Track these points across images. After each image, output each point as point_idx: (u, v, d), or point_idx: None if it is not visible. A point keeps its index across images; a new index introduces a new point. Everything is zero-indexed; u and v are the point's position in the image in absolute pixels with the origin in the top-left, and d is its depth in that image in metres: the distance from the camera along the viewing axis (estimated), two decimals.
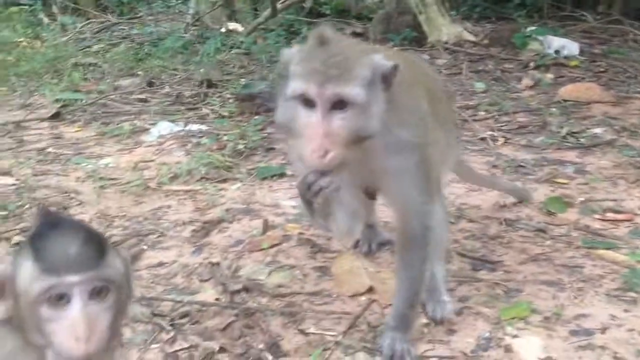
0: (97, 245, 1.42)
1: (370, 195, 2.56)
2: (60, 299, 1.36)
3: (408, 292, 2.42)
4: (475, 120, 5.23)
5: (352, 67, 1.97)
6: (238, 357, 2.40)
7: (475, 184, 3.81)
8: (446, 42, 7.79)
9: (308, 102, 1.96)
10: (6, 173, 4.22)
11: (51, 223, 1.43)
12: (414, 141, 2.23)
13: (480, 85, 6.26)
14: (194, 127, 5.24)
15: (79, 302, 1.36)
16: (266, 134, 4.98)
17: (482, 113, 5.48)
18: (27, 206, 3.70)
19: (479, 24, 8.88)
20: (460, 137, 4.79)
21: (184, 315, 2.65)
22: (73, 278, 1.34)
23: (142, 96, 6.29)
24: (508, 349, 2.41)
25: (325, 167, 1.99)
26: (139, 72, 7.24)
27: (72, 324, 1.34)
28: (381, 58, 2.06)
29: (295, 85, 1.98)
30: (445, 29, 7.89)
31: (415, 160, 2.25)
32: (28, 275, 1.37)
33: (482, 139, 4.85)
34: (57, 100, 6.02)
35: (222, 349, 2.43)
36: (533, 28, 7.75)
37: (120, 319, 1.47)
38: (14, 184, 4.04)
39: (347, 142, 1.97)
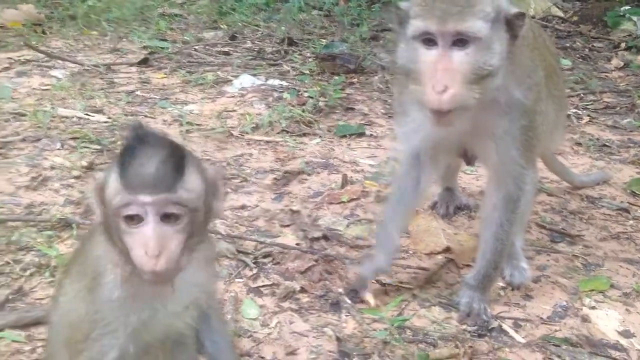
0: (177, 165, 1.42)
1: (468, 160, 2.57)
2: (134, 217, 1.40)
3: (493, 253, 2.44)
4: None
5: (474, 3, 1.96)
6: (317, 298, 2.50)
7: (555, 173, 3.58)
8: (533, 17, 7.55)
9: (429, 41, 1.98)
10: (99, 111, 4.41)
11: (140, 138, 1.45)
12: (525, 103, 2.23)
13: (566, 62, 6.07)
14: (275, 82, 5.32)
15: (151, 222, 1.39)
16: (346, 94, 5.02)
17: (567, 91, 5.32)
18: (118, 142, 3.88)
19: (568, 0, 8.55)
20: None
21: (266, 255, 2.76)
22: (146, 199, 1.37)
23: (225, 49, 6.39)
24: (585, 319, 2.41)
25: (444, 106, 1.97)
26: (222, 26, 7.34)
27: (144, 241, 1.38)
28: (506, 1, 2.05)
29: (415, 25, 2.00)
30: (533, 2, 7.65)
31: (522, 123, 2.25)
32: (112, 188, 1.43)
33: (567, 116, 4.73)
34: (144, 47, 6.20)
35: (302, 289, 2.53)
36: (627, 7, 7.42)
37: (194, 240, 1.47)
38: (106, 122, 4.23)
39: (468, 80, 1.97)
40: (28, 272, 2.51)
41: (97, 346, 1.51)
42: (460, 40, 1.96)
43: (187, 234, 1.43)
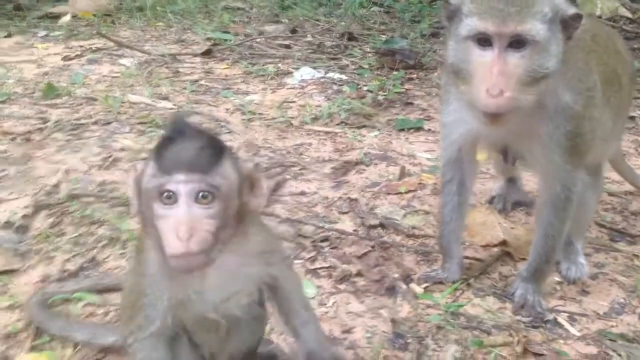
0: (213, 152, 1.47)
1: (507, 159, 2.52)
2: (169, 197, 1.43)
3: (544, 247, 2.44)
4: None
5: (532, 3, 1.93)
6: (373, 282, 2.56)
7: (621, 174, 3.47)
8: (599, 17, 7.38)
9: (484, 41, 1.95)
10: (165, 98, 4.58)
11: (179, 128, 1.51)
12: (574, 108, 2.18)
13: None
14: (335, 75, 5.39)
15: (184, 202, 1.42)
16: (405, 89, 5.05)
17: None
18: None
19: (637, 1, 8.31)
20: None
21: (324, 239, 2.84)
22: (180, 176, 1.41)
23: (286, 42, 6.51)
24: None
25: (500, 110, 1.95)
26: (284, 20, 7.48)
27: (176, 223, 1.41)
28: (563, 1, 2.02)
29: (471, 24, 1.95)
30: (600, 2, 7.47)
31: (568, 129, 2.19)
32: (148, 173, 1.48)
33: (631, 117, 4.64)
34: (208, 39, 6.38)
35: (358, 273, 2.60)
36: None
37: (224, 229, 1.48)
38: (171, 108, 4.39)
39: (523, 83, 1.93)
40: (100, 244, 2.67)
41: (141, 315, 1.60)
42: (517, 42, 1.92)
43: (219, 221, 1.45)
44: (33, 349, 2.02)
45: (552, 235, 2.43)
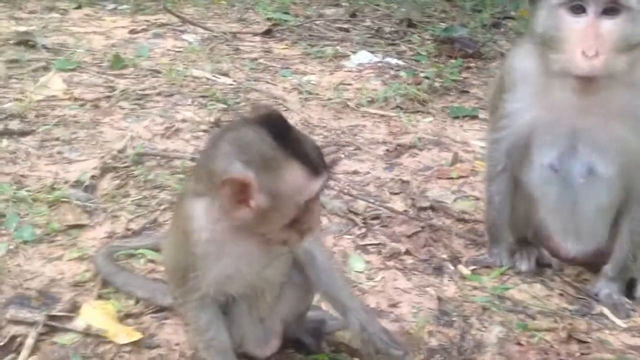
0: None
1: None
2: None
3: (630, 245, 2.41)
4: None
5: None
6: (421, 261, 2.62)
7: None
8: None
9: (576, 9, 2.05)
10: (225, 74, 4.71)
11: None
12: None
13: None
14: (392, 60, 5.42)
15: None
16: (462, 77, 5.05)
17: None
18: (242, 103, 4.14)
19: None
20: None
21: (375, 217, 2.91)
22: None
23: (345, 26, 6.55)
24: None
25: (596, 72, 2.03)
26: (343, 4, 7.51)
27: None
28: None
29: None
30: None
31: None
32: (296, 177, 1.52)
33: None
34: (268, 19, 6.48)
35: (407, 252, 2.66)
36: None
37: None
38: (231, 84, 4.51)
39: (617, 49, 2.02)
40: (162, 207, 2.80)
41: (189, 284, 1.68)
42: (611, 9, 2.02)
43: None
44: (99, 297, 2.16)
45: (638, 232, 2.40)
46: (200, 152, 1.70)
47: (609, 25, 2.05)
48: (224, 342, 1.75)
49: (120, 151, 3.25)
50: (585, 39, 2.03)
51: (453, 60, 5.37)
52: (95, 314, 2.03)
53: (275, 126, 1.54)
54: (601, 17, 2.05)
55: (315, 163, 1.53)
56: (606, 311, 2.39)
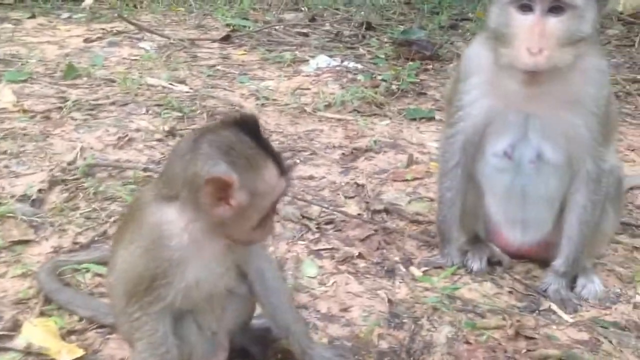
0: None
1: None
2: None
3: (579, 237, 2.44)
4: None
5: None
6: (374, 264, 2.62)
7: None
8: (621, 13, 7.34)
9: (525, 7, 2.16)
10: (182, 82, 4.66)
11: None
12: (607, 73, 2.35)
13: None
14: (350, 64, 5.44)
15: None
16: (419, 79, 5.08)
17: None
18: (198, 111, 4.11)
19: None
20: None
21: (329, 222, 2.91)
22: None
23: (304, 30, 6.57)
24: (637, 306, 2.44)
25: (540, 67, 2.15)
26: (303, 8, 7.53)
27: None
28: None
29: None
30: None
31: (604, 93, 2.32)
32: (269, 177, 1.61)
33: None
34: (227, 25, 6.46)
35: (360, 255, 2.66)
36: None
37: None
38: (188, 92, 4.47)
39: (561, 45, 2.13)
40: (112, 219, 2.76)
41: (154, 294, 1.65)
42: (556, 8, 2.13)
43: None
44: (42, 314, 2.12)
45: (585, 222, 2.43)
46: (171, 157, 1.68)
47: (554, 23, 2.16)
48: (175, 357, 1.73)
49: (69, 163, 3.19)
50: (531, 36, 2.15)
51: (411, 63, 5.41)
52: (37, 332, 1.98)
53: (252, 128, 1.62)
54: (547, 15, 2.16)
55: (284, 163, 1.64)
56: (554, 307, 2.42)
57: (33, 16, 6.29)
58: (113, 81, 4.48)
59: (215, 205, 1.57)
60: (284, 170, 1.64)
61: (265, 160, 1.60)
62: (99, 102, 4.10)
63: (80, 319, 2.11)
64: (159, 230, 1.62)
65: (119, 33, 5.84)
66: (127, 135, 3.62)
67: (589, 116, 2.31)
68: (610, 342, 2.20)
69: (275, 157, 1.63)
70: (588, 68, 2.30)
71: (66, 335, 2.03)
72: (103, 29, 5.96)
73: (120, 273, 1.74)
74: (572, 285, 2.53)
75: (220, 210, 1.58)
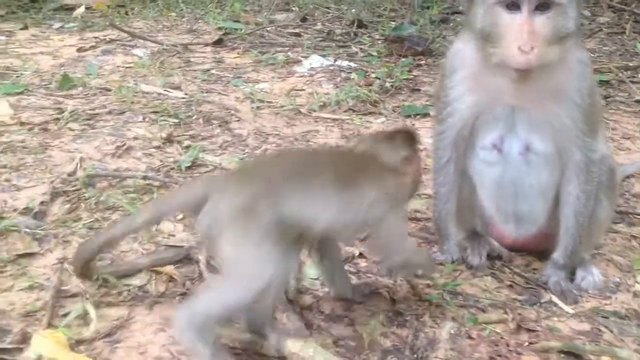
0: None
1: None
2: None
3: (576, 227, 2.48)
4: (632, 82, 5.04)
5: None
6: (375, 263, 2.65)
7: None
8: (611, 0, 7.37)
9: (512, 6, 2.20)
10: (177, 87, 4.69)
11: None
12: (589, 65, 2.41)
13: None
14: (344, 63, 5.47)
15: None
16: (413, 76, 5.12)
17: None
18: (194, 117, 4.14)
19: None
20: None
21: None
22: None
23: (296, 30, 6.60)
24: (637, 295, 2.47)
25: (529, 64, 2.20)
26: (294, 8, 7.56)
27: None
28: None
29: None
30: None
31: (588, 82, 2.37)
32: None
33: (638, 101, 4.68)
34: (219, 28, 6.48)
35: (361, 255, 2.69)
36: None
37: None
38: (183, 97, 4.50)
39: (549, 42, 2.19)
40: None
41: None
42: (543, 5, 2.19)
43: None
44: (50, 326, 2.14)
45: (580, 212, 2.47)
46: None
47: (542, 21, 2.20)
48: None
49: (70, 174, 3.21)
50: (521, 35, 2.19)
51: (403, 59, 5.45)
52: (46, 344, 2.00)
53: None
54: (534, 13, 2.20)
55: None
56: (554, 299, 2.45)
57: (25, 27, 6.30)
58: (108, 90, 4.50)
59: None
60: None
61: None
62: (96, 111, 4.12)
63: (90, 328, 2.13)
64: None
65: (111, 41, 5.86)
66: (125, 144, 3.64)
67: (573, 107, 2.36)
68: (612, 331, 2.24)
69: None
70: (570, 61, 2.35)
71: (75, 345, 2.05)
72: (96, 37, 5.98)
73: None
74: (571, 277, 2.56)
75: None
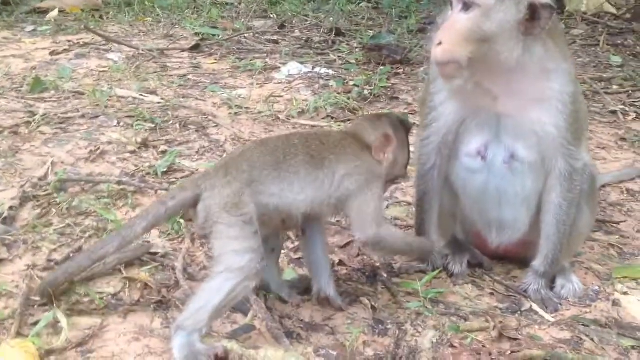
0: None
1: None
2: None
3: (557, 236, 2.46)
4: (607, 94, 5.10)
5: None
6: (355, 270, 2.62)
7: None
8: (585, 13, 7.48)
9: (451, 5, 2.28)
10: (153, 92, 4.61)
11: None
12: (571, 73, 2.38)
13: (616, 60, 6.02)
14: (322, 70, 5.44)
15: None
16: (391, 84, 5.11)
17: (615, 87, 5.32)
18: (170, 122, 4.06)
19: None
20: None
21: None
22: None
23: (274, 38, 6.55)
24: (616, 303, 2.47)
25: (435, 58, 2.25)
26: (272, 15, 7.51)
27: None
28: None
29: None
30: None
31: (569, 90, 2.35)
32: None
33: (613, 112, 4.74)
34: (196, 34, 6.40)
35: (341, 262, 2.65)
36: None
37: None
38: (159, 102, 4.42)
39: (466, 41, 2.19)
40: (87, 235, 2.70)
41: None
42: (465, 5, 2.22)
43: None
44: (19, 335, 2.06)
45: (562, 221, 2.46)
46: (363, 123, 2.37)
47: (460, 18, 2.25)
48: None
49: (41, 179, 3.12)
50: (441, 30, 2.26)
51: (382, 67, 5.44)
52: (15, 354, 1.92)
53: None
54: (460, 12, 2.24)
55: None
56: (535, 307, 2.44)
57: None
58: (82, 94, 4.41)
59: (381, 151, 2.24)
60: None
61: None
62: (69, 115, 4.02)
63: (60, 337, 2.05)
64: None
65: (86, 45, 5.75)
66: (98, 149, 3.55)
67: (556, 114, 2.35)
68: (592, 339, 2.23)
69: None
70: (550, 69, 2.34)
71: (45, 355, 1.97)
72: (69, 41, 5.86)
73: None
74: (551, 285, 2.55)
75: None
